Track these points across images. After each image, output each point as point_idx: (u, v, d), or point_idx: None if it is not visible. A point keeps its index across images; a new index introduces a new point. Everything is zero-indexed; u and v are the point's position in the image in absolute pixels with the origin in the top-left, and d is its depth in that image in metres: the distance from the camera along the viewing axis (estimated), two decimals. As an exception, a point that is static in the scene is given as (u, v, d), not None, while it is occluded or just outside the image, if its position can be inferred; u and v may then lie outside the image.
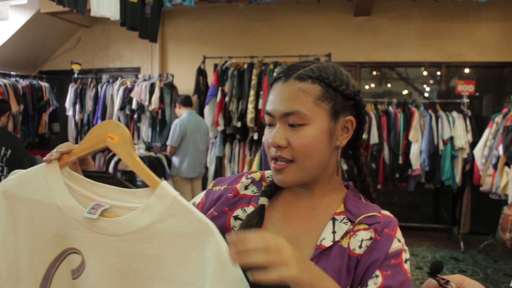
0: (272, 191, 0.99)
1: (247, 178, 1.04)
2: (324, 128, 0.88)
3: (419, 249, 4.88)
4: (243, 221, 0.96)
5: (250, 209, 0.99)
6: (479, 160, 4.65)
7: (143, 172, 0.83)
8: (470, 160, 4.85)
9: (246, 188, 1.03)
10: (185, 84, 5.73)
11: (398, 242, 0.87)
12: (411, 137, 4.87)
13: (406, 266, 0.86)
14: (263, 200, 0.96)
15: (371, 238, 0.86)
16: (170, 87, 5.58)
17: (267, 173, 1.04)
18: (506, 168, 4.16)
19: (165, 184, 0.81)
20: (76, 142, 5.97)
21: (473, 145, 4.84)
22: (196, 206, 1.06)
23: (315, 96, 0.87)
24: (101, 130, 0.86)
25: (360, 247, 0.86)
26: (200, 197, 1.09)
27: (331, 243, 0.87)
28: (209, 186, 1.10)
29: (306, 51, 5.04)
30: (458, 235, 5.08)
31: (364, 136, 4.84)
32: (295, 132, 0.88)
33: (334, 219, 0.90)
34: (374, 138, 4.88)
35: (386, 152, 4.96)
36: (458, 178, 4.88)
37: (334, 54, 5.19)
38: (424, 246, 5.00)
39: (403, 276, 0.84)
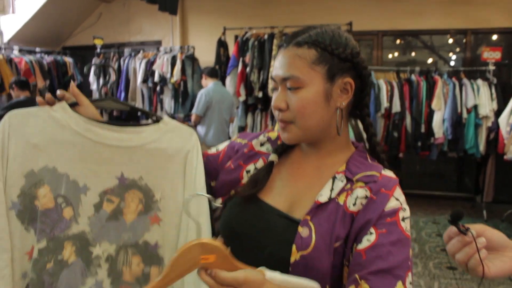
0: (283, 149, 1.05)
1: (264, 136, 1.11)
2: (319, 90, 0.91)
3: (441, 218, 4.89)
4: (252, 174, 1.03)
5: (259, 163, 1.05)
6: (504, 129, 4.57)
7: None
8: (494, 128, 4.77)
9: (261, 145, 1.10)
10: (206, 56, 5.75)
11: (395, 201, 0.89)
12: (434, 105, 4.81)
13: (404, 224, 0.87)
14: (272, 157, 1.03)
15: (366, 197, 0.89)
16: (192, 59, 5.62)
17: None
18: (532, 135, 4.10)
19: None
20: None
21: (498, 113, 4.76)
22: (218, 153, 1.15)
23: (310, 60, 0.91)
24: (191, 255, 0.79)
25: (354, 204, 0.89)
26: (223, 145, 1.17)
27: (326, 199, 0.91)
28: (234, 137, 1.17)
29: (327, 20, 4.99)
30: (481, 203, 5.05)
31: (386, 104, 4.82)
32: (292, 95, 0.92)
33: (334, 178, 0.94)
34: (396, 107, 4.85)
35: (408, 120, 4.92)
36: (482, 147, 4.83)
37: (356, 22, 5.12)
38: (447, 215, 4.99)
39: (399, 234, 0.86)
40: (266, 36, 5.08)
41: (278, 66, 0.94)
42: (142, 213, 1.04)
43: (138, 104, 5.79)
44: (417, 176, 5.86)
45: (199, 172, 1.06)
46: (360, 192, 0.90)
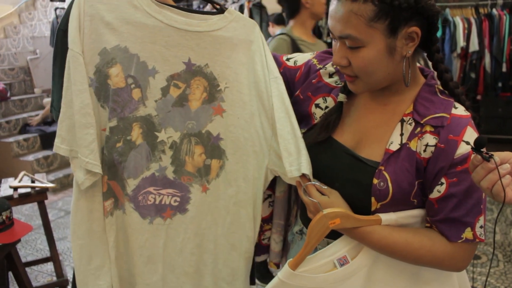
0: None
1: (333, 66, 1.07)
2: (381, 47, 0.85)
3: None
4: (322, 117, 1.04)
5: (329, 100, 1.05)
6: None
7: (367, 221, 0.94)
8: None
9: (330, 76, 1.07)
10: (274, 3, 5.66)
11: (465, 146, 0.86)
12: (518, 41, 4.48)
13: None
14: (341, 97, 1.01)
15: (435, 145, 0.87)
16: (259, 7, 5.61)
17: None
18: None
19: None
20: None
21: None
22: (296, 67, 1.14)
23: (367, 17, 0.83)
24: (321, 224, 0.94)
25: (424, 151, 0.89)
26: (302, 60, 1.14)
27: (398, 146, 0.91)
28: (312, 55, 1.14)
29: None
30: None
31: (463, 43, 4.56)
32: (353, 54, 0.87)
33: (402, 121, 0.93)
34: (474, 46, 4.57)
35: (487, 60, 4.63)
36: None
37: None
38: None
39: (470, 181, 0.85)
40: (334, -22, 4.92)
41: (332, 20, 0.88)
42: (206, 102, 1.06)
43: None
44: (498, 119, 5.55)
45: (270, 59, 1.09)
46: (430, 139, 0.88)
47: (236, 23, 1.07)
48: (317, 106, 1.07)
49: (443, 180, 0.88)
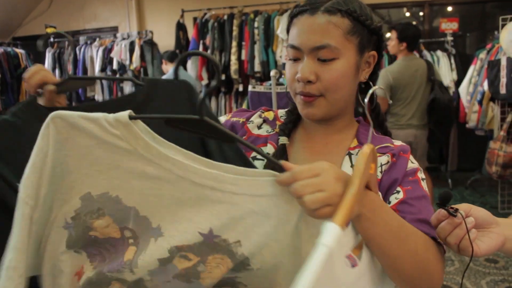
0: (289, 129, 0.98)
1: (260, 117, 1.04)
2: (352, 63, 0.87)
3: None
4: (266, 163, 0.93)
5: (269, 147, 0.97)
6: (464, 98, 4.66)
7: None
8: (455, 98, 4.86)
9: (259, 127, 1.03)
10: (166, 40, 5.59)
11: (412, 163, 0.90)
12: (396, 78, 4.84)
13: (423, 184, 0.88)
14: (283, 140, 0.96)
15: (388, 162, 0.89)
16: (150, 44, 5.46)
17: (280, 112, 1.04)
18: (491, 103, 4.19)
19: None
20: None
21: (458, 83, 4.84)
22: None
23: (345, 30, 0.85)
24: (369, 162, 0.67)
25: (381, 172, 0.88)
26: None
27: None
28: (228, 116, 1.07)
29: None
30: (446, 173, 5.17)
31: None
32: (325, 67, 0.86)
33: (350, 154, 0.92)
34: (360, 82, 4.86)
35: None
36: (444, 117, 4.91)
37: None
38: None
39: (421, 192, 0.86)
40: (225, 17, 4.97)
41: (305, 33, 0.86)
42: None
43: (98, 94, 5.59)
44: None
45: None
46: (382, 159, 0.89)
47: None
48: (254, 158, 0.94)
49: (398, 188, 0.86)
